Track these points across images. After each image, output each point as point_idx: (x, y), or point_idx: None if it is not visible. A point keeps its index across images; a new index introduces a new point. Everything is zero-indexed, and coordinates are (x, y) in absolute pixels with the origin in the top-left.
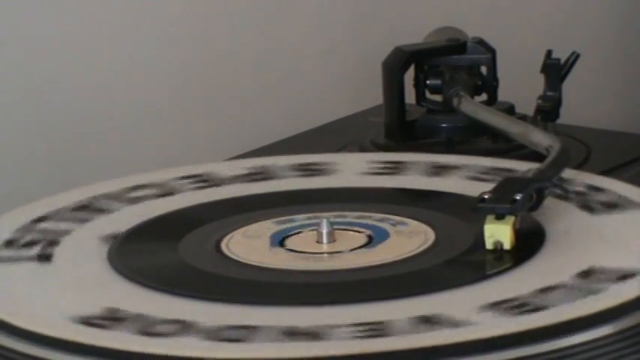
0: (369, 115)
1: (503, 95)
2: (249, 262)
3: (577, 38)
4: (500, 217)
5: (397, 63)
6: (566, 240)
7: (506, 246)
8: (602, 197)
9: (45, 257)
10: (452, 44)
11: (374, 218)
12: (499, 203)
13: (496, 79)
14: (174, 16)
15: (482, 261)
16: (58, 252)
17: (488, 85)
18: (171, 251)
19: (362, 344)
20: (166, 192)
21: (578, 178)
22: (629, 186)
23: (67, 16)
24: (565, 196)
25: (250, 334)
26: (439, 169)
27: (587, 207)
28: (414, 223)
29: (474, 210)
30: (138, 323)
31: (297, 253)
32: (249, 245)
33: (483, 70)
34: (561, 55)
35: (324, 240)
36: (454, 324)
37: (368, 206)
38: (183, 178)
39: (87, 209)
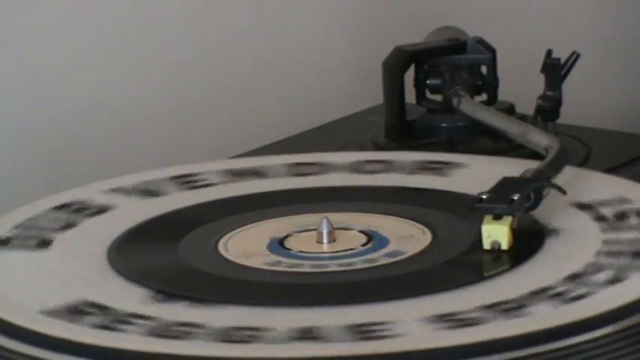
0: (369, 115)
1: (503, 95)
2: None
3: (577, 38)
4: (497, 217)
5: (397, 63)
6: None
7: (504, 246)
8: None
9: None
10: (452, 44)
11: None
12: (497, 203)
13: (496, 79)
14: (174, 16)
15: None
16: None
17: (488, 85)
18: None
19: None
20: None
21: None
22: (631, 183)
23: (66, 16)
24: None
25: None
26: None
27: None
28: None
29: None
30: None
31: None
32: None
33: (483, 69)
34: (561, 55)
35: (324, 240)
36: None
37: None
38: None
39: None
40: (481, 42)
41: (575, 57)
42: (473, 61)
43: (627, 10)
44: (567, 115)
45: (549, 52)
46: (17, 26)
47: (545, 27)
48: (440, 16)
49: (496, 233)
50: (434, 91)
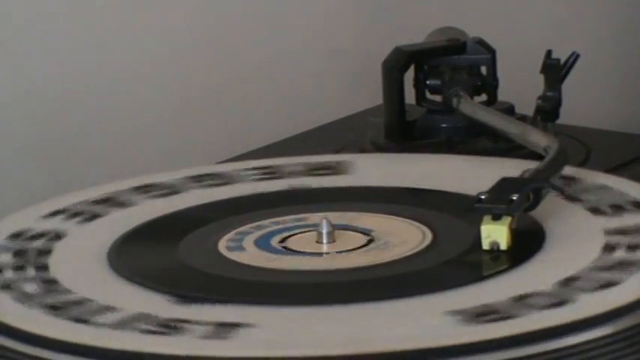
0: (369, 115)
1: (503, 95)
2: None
3: (577, 38)
4: (496, 217)
5: (397, 63)
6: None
7: (503, 246)
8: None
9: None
10: (452, 44)
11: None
12: (496, 204)
13: (496, 79)
14: (175, 16)
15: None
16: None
17: (488, 85)
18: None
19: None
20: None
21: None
22: (632, 183)
23: (67, 16)
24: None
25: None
26: None
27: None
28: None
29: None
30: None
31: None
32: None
33: (483, 70)
34: (561, 55)
35: (324, 240)
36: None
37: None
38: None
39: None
40: (481, 42)
41: (574, 57)
42: (473, 62)
43: (627, 11)
44: (567, 115)
45: (549, 53)
46: (18, 26)
47: (545, 27)
48: (440, 16)
49: (495, 233)
50: (433, 91)
